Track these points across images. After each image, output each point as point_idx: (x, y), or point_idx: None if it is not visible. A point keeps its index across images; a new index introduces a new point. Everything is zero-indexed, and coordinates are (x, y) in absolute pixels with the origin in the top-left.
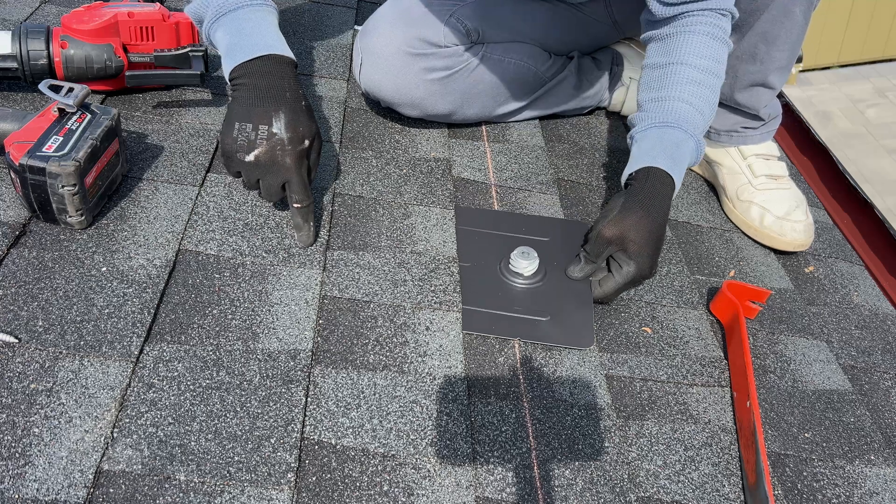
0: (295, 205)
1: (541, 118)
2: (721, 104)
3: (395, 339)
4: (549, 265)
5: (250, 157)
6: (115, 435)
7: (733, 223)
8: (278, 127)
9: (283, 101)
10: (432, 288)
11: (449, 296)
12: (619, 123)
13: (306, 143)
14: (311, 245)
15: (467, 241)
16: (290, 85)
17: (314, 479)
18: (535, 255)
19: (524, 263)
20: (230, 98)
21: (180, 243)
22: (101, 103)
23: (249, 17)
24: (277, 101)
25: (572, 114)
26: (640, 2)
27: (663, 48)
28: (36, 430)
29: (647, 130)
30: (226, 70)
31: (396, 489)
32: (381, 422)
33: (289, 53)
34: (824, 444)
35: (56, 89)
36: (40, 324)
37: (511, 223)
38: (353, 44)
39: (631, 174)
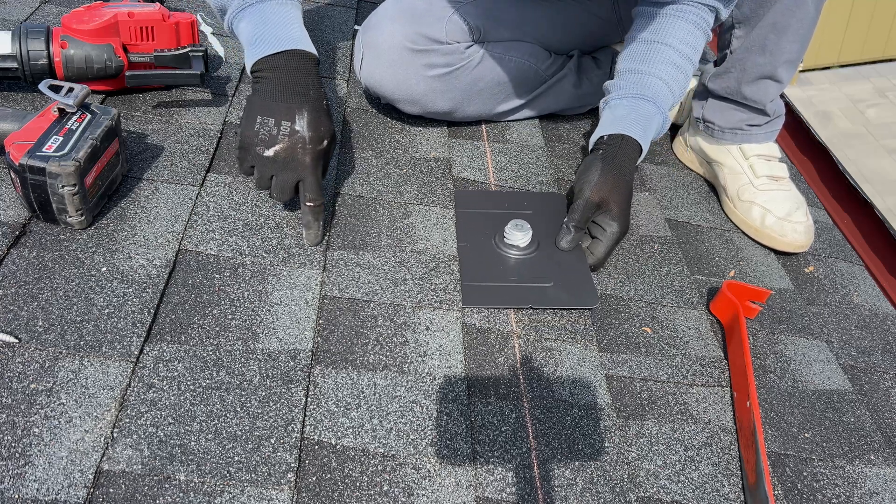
0: (308, 203)
1: (541, 117)
2: (727, 99)
3: (395, 339)
4: (540, 235)
5: (269, 153)
6: (114, 435)
7: (734, 223)
8: (301, 125)
9: (307, 99)
10: (432, 287)
11: (449, 294)
12: None
13: (325, 143)
14: (319, 244)
15: (464, 223)
16: (313, 83)
17: (314, 479)
18: (528, 226)
19: (519, 235)
20: (251, 89)
21: (180, 243)
22: (101, 103)
23: (275, 10)
24: (301, 99)
25: (572, 113)
26: None
27: (651, 26)
28: (36, 430)
29: (622, 99)
30: (248, 61)
31: (396, 489)
32: (381, 422)
33: (312, 50)
34: (824, 444)
35: (56, 89)
36: (40, 324)
37: (498, 201)
38: (353, 43)
39: (602, 137)
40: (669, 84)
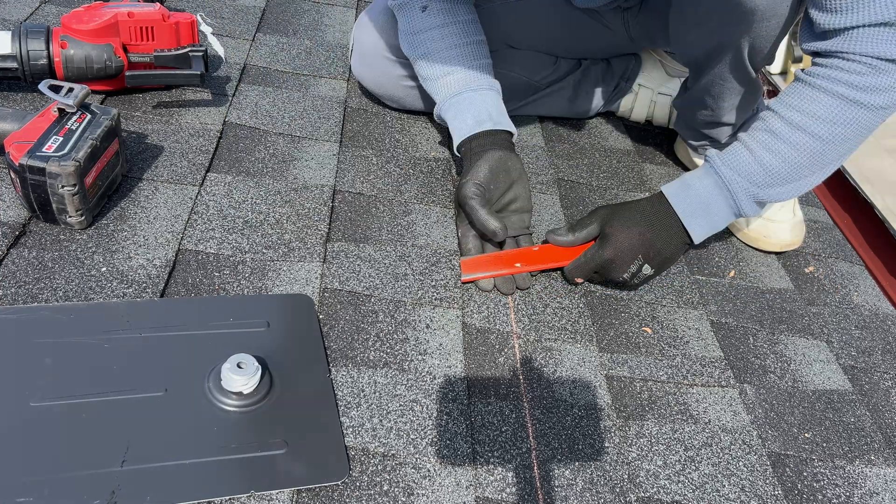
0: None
1: (540, 118)
2: (692, 129)
3: (395, 336)
4: (277, 370)
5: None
6: None
7: (727, 229)
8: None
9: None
10: (433, 283)
11: (450, 292)
12: (619, 124)
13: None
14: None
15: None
16: (511, 156)
17: None
18: (254, 363)
19: (240, 380)
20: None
21: (180, 243)
22: (101, 103)
23: (471, 97)
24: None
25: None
26: (656, 19)
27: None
28: None
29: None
30: (455, 141)
31: (396, 489)
32: (381, 421)
33: (510, 127)
34: (824, 445)
35: (56, 89)
36: None
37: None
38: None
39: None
40: (755, 153)
